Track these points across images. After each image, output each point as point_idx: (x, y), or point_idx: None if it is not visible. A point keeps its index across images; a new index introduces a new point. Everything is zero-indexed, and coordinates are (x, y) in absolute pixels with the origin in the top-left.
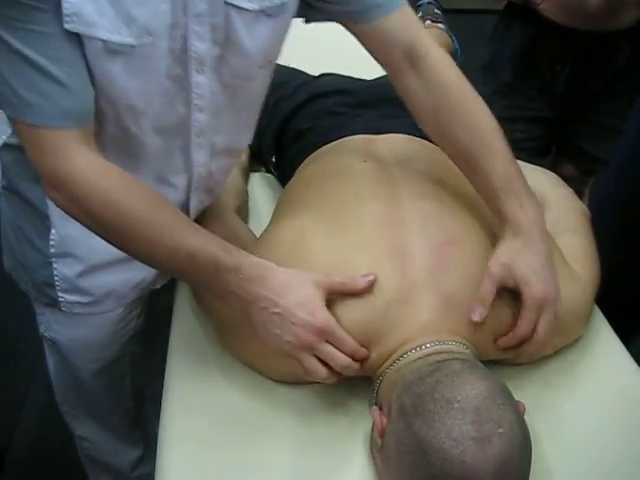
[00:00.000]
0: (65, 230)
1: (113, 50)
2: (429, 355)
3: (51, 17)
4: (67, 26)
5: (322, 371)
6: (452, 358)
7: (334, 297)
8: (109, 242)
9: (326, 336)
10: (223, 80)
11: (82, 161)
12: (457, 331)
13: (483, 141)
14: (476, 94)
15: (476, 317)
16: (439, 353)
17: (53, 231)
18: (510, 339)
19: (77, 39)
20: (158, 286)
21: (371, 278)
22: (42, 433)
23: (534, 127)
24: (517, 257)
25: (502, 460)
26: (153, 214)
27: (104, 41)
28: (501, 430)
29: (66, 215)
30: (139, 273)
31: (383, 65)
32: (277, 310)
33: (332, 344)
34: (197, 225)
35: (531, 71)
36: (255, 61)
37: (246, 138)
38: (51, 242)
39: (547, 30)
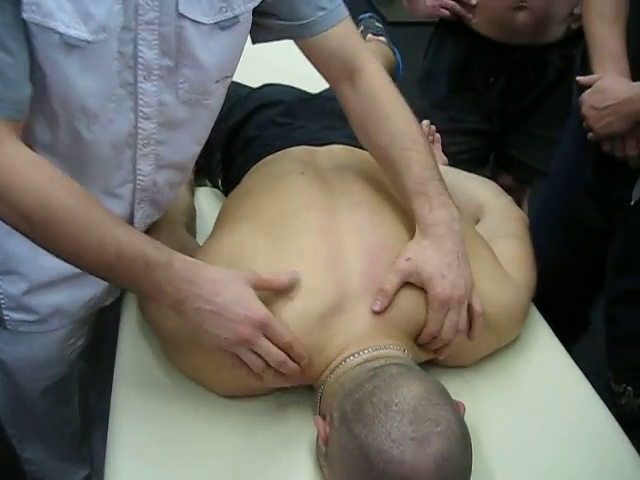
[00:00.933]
0: (8, 246)
1: (69, 44)
2: (367, 361)
3: (7, 6)
4: (25, 15)
5: (259, 362)
6: (389, 363)
7: (271, 308)
8: (34, 240)
9: (264, 329)
10: (179, 95)
11: (11, 150)
12: (393, 335)
13: (402, 147)
14: (404, 105)
15: (376, 307)
16: (377, 359)
17: None
18: (422, 337)
19: (27, 33)
20: (107, 303)
21: (295, 275)
22: None
23: (471, 139)
24: (423, 256)
25: (442, 457)
26: (82, 209)
27: (61, 34)
28: (439, 429)
29: (9, 231)
30: (87, 291)
31: (324, 76)
32: (213, 308)
33: (270, 339)
34: (126, 224)
35: (466, 84)
36: (211, 75)
37: (193, 154)
38: None
39: (480, 44)
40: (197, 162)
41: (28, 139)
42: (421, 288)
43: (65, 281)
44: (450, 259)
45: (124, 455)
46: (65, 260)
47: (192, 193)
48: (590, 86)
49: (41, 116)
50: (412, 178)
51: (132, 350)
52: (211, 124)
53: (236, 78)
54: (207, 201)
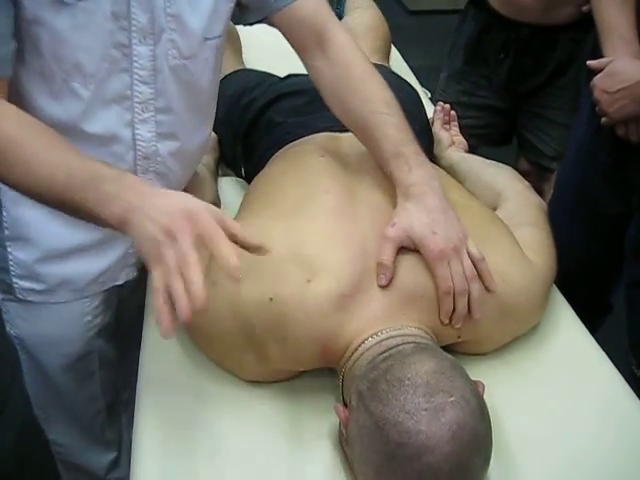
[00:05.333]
0: (16, 212)
1: (57, 2)
2: (384, 341)
3: None
4: None
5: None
6: (405, 342)
7: (289, 291)
8: None
9: (196, 219)
10: (168, 62)
11: None
12: (413, 317)
13: (375, 111)
14: (375, 72)
15: (382, 281)
16: (393, 338)
17: (5, 213)
18: (441, 302)
19: None
20: (120, 282)
21: (265, 250)
22: (22, 442)
23: (485, 115)
24: (409, 218)
25: (457, 426)
26: (29, 138)
27: None
28: (452, 399)
29: (17, 197)
30: (94, 265)
31: (295, 47)
32: (153, 210)
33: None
34: (78, 151)
35: (480, 59)
36: (196, 36)
37: (196, 129)
38: (4, 224)
39: (494, 20)
40: (221, 152)
41: (29, 108)
42: (429, 272)
43: (73, 252)
44: (435, 215)
45: (150, 448)
46: (23, 193)
47: (216, 182)
48: (601, 70)
49: (39, 78)
50: (389, 141)
51: (157, 335)
52: (209, 97)
53: (261, 67)
54: (231, 191)
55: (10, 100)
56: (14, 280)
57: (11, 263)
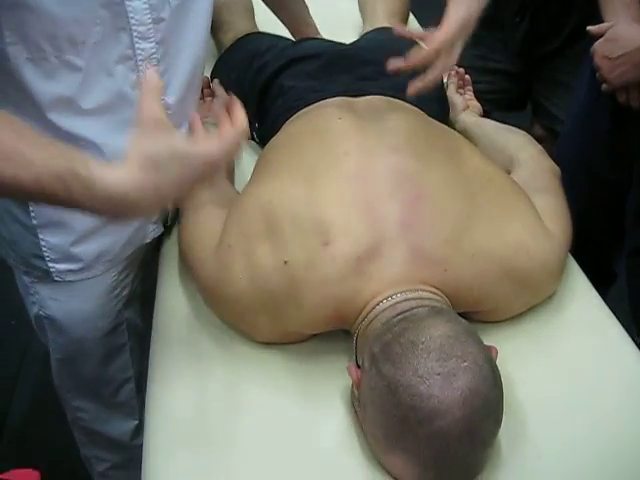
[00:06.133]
0: None
1: None
2: (398, 303)
3: None
4: None
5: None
6: (419, 305)
7: (305, 254)
8: None
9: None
10: (171, 4)
11: None
12: (428, 282)
13: None
14: None
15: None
16: (408, 301)
17: (30, 202)
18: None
19: None
20: (149, 240)
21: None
22: (37, 407)
23: (499, 79)
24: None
25: (469, 391)
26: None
27: None
28: (465, 364)
29: None
30: (126, 230)
31: None
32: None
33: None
34: (48, 144)
35: (496, 23)
36: None
37: (194, 68)
38: (31, 213)
39: None
40: None
41: (27, 98)
42: (451, 239)
43: (104, 226)
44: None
45: (163, 404)
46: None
47: None
48: (602, 35)
49: (30, 64)
50: None
51: (170, 298)
52: (205, 34)
53: (274, 30)
54: (244, 153)
55: (9, 93)
56: (50, 265)
57: (44, 249)
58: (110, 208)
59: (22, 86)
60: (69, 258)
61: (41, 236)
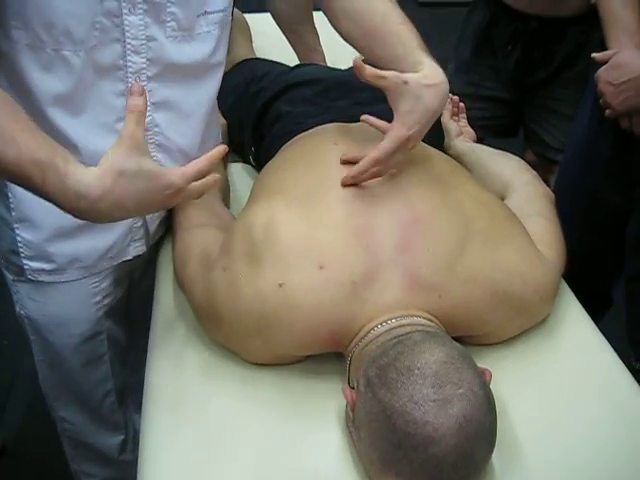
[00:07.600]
0: (22, 193)
1: None
2: (393, 329)
3: None
4: None
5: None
6: (414, 330)
7: (299, 277)
8: None
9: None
10: (167, 32)
11: None
12: (422, 308)
13: (397, 22)
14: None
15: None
16: (403, 326)
17: (10, 194)
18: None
19: None
20: (130, 257)
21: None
22: (28, 426)
23: (492, 106)
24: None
25: (464, 419)
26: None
27: None
28: (460, 391)
29: None
30: (102, 241)
31: None
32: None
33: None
34: (33, 131)
35: (487, 50)
36: (194, 8)
37: (188, 94)
38: (11, 205)
39: (503, 12)
40: (230, 138)
41: (23, 84)
42: (447, 264)
43: (81, 229)
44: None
45: (158, 422)
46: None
47: (225, 168)
48: (606, 62)
49: (29, 51)
50: (417, 41)
51: (167, 322)
52: (213, 70)
53: (270, 57)
54: (240, 176)
55: (3, 78)
56: (24, 262)
57: (20, 245)
58: (75, 206)
59: (21, 76)
60: (42, 257)
61: (17, 231)
